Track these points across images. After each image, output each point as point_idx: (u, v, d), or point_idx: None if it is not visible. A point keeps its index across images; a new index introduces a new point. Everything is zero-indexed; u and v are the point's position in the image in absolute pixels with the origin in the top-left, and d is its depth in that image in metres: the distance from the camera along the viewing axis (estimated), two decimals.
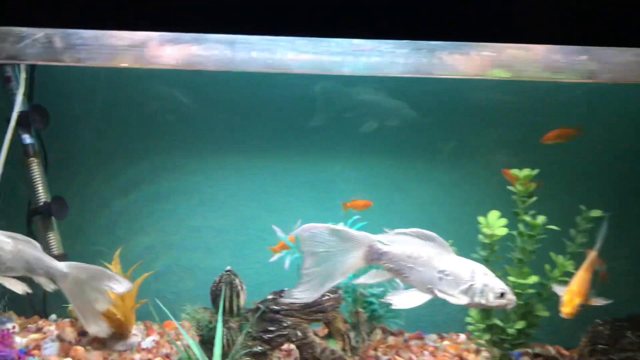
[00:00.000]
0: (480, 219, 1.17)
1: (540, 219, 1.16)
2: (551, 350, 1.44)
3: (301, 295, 0.99)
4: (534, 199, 1.19)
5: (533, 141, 1.31)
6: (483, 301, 0.95)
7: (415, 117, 1.44)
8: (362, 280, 1.06)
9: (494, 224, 1.16)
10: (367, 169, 1.46)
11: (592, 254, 1.14)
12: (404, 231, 1.00)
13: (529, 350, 1.47)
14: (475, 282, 0.97)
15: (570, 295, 1.11)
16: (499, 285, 0.96)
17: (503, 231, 1.14)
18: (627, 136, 1.39)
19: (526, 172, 1.18)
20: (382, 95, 1.45)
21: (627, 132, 1.39)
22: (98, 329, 1.00)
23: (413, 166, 1.45)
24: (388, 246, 0.98)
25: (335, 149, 1.45)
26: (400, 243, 0.99)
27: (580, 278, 1.11)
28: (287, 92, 1.43)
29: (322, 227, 0.98)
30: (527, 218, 1.16)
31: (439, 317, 1.47)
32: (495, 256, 1.19)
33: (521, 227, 1.18)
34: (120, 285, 1.01)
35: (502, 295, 0.96)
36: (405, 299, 1.01)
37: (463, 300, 0.97)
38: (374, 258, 1.01)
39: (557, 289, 1.13)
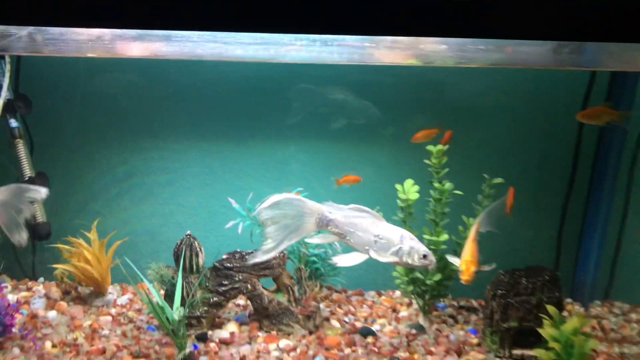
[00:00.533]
0: (397, 186, 1.36)
1: (448, 185, 1.36)
2: (474, 302, 1.65)
3: (263, 255, 1.15)
4: (446, 170, 1.39)
5: (451, 126, 1.51)
6: (410, 261, 1.15)
7: (357, 105, 1.63)
8: (315, 240, 1.22)
9: (409, 190, 1.36)
10: (316, 151, 1.60)
11: (474, 227, 1.32)
12: (345, 207, 1.21)
13: (454, 303, 1.69)
14: (403, 245, 1.16)
15: (466, 265, 1.30)
16: (422, 248, 1.15)
17: (415, 196, 1.34)
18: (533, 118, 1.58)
19: (439, 147, 1.38)
20: (328, 85, 1.63)
21: (532, 114, 1.59)
22: (20, 238, 1.14)
23: (356, 148, 1.62)
24: (334, 214, 1.17)
25: (287, 134, 1.58)
26: (344, 213, 1.20)
27: (471, 249, 1.26)
28: (245, 84, 1.53)
29: (282, 197, 1.16)
30: (437, 185, 1.36)
31: (379, 278, 1.67)
32: (411, 218, 1.39)
33: (433, 193, 1.38)
34: (38, 193, 1.15)
35: (424, 256, 1.16)
36: (347, 259, 1.21)
37: (393, 259, 1.17)
38: (323, 224, 1.21)
39: (453, 259, 1.32)
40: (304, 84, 1.54)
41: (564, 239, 1.57)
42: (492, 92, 1.53)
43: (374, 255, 1.16)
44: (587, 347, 1.24)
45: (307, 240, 1.26)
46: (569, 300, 1.60)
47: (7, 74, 1.29)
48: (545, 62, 1.39)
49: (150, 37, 1.27)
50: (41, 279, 1.60)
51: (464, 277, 1.28)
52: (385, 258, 1.15)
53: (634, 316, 1.52)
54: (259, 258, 1.16)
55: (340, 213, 1.17)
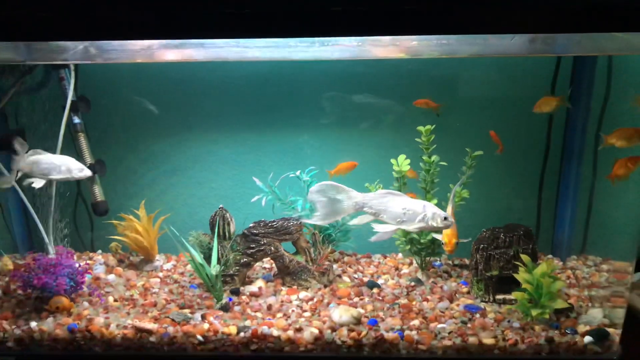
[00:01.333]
0: (392, 160, 1.62)
1: (434, 157, 1.61)
2: (466, 261, 1.89)
3: (315, 221, 1.47)
4: (434, 146, 1.64)
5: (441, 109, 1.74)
6: (434, 224, 1.43)
7: (361, 96, 1.89)
8: (355, 221, 1.49)
9: (402, 163, 1.61)
10: (327, 138, 1.83)
11: (451, 205, 1.56)
12: (375, 193, 1.47)
13: (450, 262, 1.93)
14: (427, 212, 1.44)
15: (448, 238, 1.55)
16: (442, 212, 1.43)
17: (407, 167, 1.59)
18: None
19: (427, 127, 1.63)
20: (335, 79, 1.87)
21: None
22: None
23: (361, 134, 1.84)
24: (368, 198, 1.45)
25: (300, 124, 1.82)
26: (375, 196, 1.46)
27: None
28: (262, 81, 1.76)
29: (327, 184, 1.46)
30: (426, 158, 1.61)
31: (384, 243, 1.92)
32: (405, 187, 1.65)
33: (423, 165, 1.64)
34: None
35: (445, 218, 1.44)
36: (383, 227, 1.46)
37: (420, 225, 1.44)
38: (360, 207, 1.48)
39: (437, 235, 1.57)
40: (310, 77, 1.77)
41: (542, 204, 1.79)
42: (476, 80, 1.77)
43: (404, 225, 1.44)
44: (553, 287, 1.48)
45: (351, 223, 1.53)
46: (550, 256, 1.85)
47: (72, 80, 1.58)
48: (520, 51, 1.63)
49: (186, 44, 1.53)
50: (99, 251, 1.90)
51: (447, 249, 1.55)
52: (414, 226, 1.44)
53: (604, 267, 1.74)
54: (312, 221, 1.48)
55: (372, 196, 1.46)
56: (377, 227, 1.45)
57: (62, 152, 1.59)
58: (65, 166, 1.50)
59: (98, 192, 1.66)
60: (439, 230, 1.55)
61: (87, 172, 1.52)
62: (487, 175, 1.67)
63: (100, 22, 1.28)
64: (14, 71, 1.58)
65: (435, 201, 1.62)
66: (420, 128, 1.60)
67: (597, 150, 1.70)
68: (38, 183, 1.50)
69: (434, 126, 1.59)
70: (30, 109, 1.60)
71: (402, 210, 1.43)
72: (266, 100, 1.78)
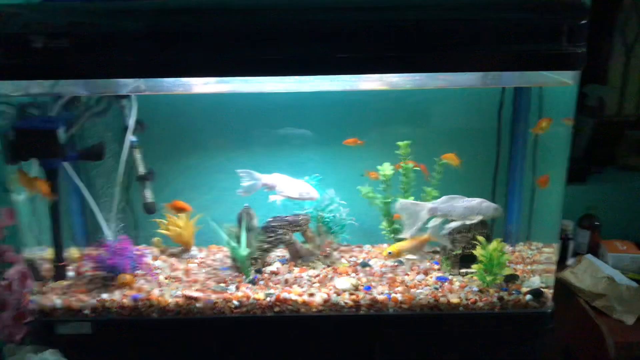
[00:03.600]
0: (378, 167, 2.10)
1: (410, 165, 2.10)
2: (437, 249, 2.36)
3: (405, 234, 1.94)
4: (410, 156, 2.12)
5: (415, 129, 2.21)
6: (489, 214, 1.92)
7: (351, 119, 2.26)
8: (431, 223, 1.91)
9: (386, 169, 2.10)
10: (326, 154, 2.21)
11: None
12: (440, 200, 1.94)
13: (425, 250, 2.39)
14: (482, 206, 1.92)
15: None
16: (493, 204, 1.92)
17: (390, 172, 2.07)
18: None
19: (405, 142, 2.11)
20: (333, 105, 2.17)
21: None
22: None
23: (351, 150, 2.26)
24: (436, 205, 1.91)
25: (303, 143, 2.21)
26: (441, 202, 1.93)
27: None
28: (275, 106, 2.13)
29: (407, 202, 1.94)
30: (403, 165, 2.10)
31: (372, 236, 2.38)
32: (389, 188, 2.10)
33: (402, 171, 2.12)
34: None
35: (496, 209, 1.93)
36: (455, 224, 1.94)
37: (479, 218, 1.91)
38: (432, 213, 1.93)
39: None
40: (313, 104, 2.13)
41: (495, 200, 2.27)
42: (441, 103, 2.25)
43: (468, 220, 1.92)
44: (502, 259, 1.93)
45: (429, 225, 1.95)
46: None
47: (134, 108, 2.03)
48: (475, 83, 2.04)
49: (217, 80, 1.85)
50: (143, 244, 2.33)
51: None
52: (476, 218, 1.93)
53: (545, 250, 2.23)
54: (404, 234, 1.95)
55: (440, 202, 1.91)
56: (449, 225, 1.94)
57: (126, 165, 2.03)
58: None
59: (148, 195, 2.09)
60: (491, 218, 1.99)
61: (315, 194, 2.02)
62: (452, 180, 2.13)
63: (149, 64, 1.62)
64: (86, 101, 2.03)
65: (412, 198, 2.09)
66: (399, 143, 2.08)
67: (535, 158, 2.19)
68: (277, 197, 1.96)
69: (409, 142, 2.07)
70: (98, 130, 2.05)
71: (464, 209, 1.91)
72: (279, 122, 2.20)
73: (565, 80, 1.73)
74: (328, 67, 1.61)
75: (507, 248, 2.26)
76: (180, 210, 2.12)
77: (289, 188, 2.01)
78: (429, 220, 1.95)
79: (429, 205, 1.93)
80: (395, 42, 1.61)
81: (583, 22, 1.59)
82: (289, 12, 1.60)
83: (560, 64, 1.63)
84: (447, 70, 1.64)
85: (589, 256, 2.32)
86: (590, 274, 2.16)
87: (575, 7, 1.61)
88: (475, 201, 1.93)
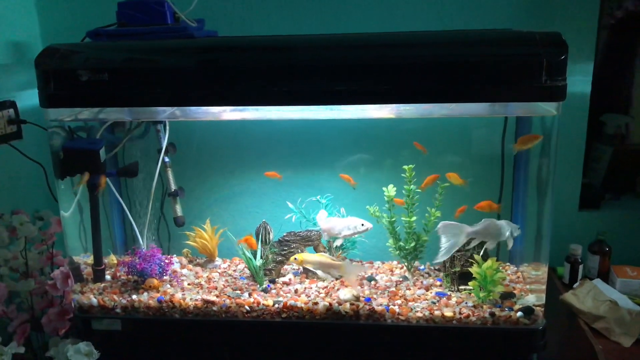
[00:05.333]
0: (384, 188, 2.26)
1: (412, 187, 2.25)
2: None
3: (441, 257, 2.04)
4: (415, 179, 2.28)
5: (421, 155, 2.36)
6: (515, 234, 2.02)
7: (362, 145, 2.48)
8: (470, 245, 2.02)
9: (391, 190, 2.26)
10: (337, 176, 2.32)
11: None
12: (479, 224, 2.05)
13: (432, 267, 2.52)
14: (508, 228, 2.01)
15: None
16: (514, 225, 2.03)
17: (393, 193, 2.24)
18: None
19: (410, 166, 2.27)
20: (343, 133, 2.41)
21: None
22: None
23: (365, 172, 2.48)
24: (474, 228, 2.02)
25: (320, 164, 2.44)
26: (478, 225, 2.04)
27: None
28: (292, 133, 2.39)
29: (449, 223, 2.04)
30: (407, 187, 2.25)
31: (382, 252, 2.52)
32: (393, 207, 2.26)
33: (405, 192, 2.27)
34: None
35: (518, 228, 2.02)
36: (490, 244, 2.02)
37: (507, 238, 2.03)
38: (470, 235, 2.04)
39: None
40: (327, 131, 2.35)
41: None
42: (447, 129, 2.42)
43: (499, 239, 2.04)
44: (496, 276, 2.06)
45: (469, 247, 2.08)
46: (508, 264, 2.43)
47: (165, 132, 2.31)
48: (482, 112, 2.13)
49: (240, 109, 2.05)
50: (174, 255, 2.59)
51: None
52: (505, 238, 2.02)
53: (542, 270, 2.31)
54: (439, 259, 2.05)
55: (477, 226, 2.03)
56: (489, 246, 2.07)
57: (159, 182, 2.30)
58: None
59: (178, 209, 2.35)
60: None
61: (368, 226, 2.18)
62: (456, 202, 2.27)
63: (182, 94, 1.80)
64: (125, 126, 2.32)
65: (415, 218, 2.24)
66: (405, 167, 2.24)
67: (540, 182, 2.28)
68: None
69: (412, 165, 2.23)
70: (136, 152, 2.33)
71: (496, 231, 2.03)
72: (296, 148, 2.41)
73: (550, 110, 1.85)
74: (338, 98, 1.78)
75: (512, 268, 2.37)
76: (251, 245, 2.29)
77: (343, 229, 2.16)
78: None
79: (468, 229, 2.03)
80: (387, 76, 1.79)
81: (562, 57, 1.72)
82: (312, 50, 1.79)
83: (541, 96, 1.75)
84: (435, 101, 1.80)
85: (597, 281, 2.38)
86: (593, 296, 2.22)
87: (555, 43, 1.75)
88: (501, 223, 2.05)
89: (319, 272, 2.22)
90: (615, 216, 2.60)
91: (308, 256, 2.16)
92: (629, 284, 2.35)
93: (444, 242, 2.05)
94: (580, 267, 2.45)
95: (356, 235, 2.25)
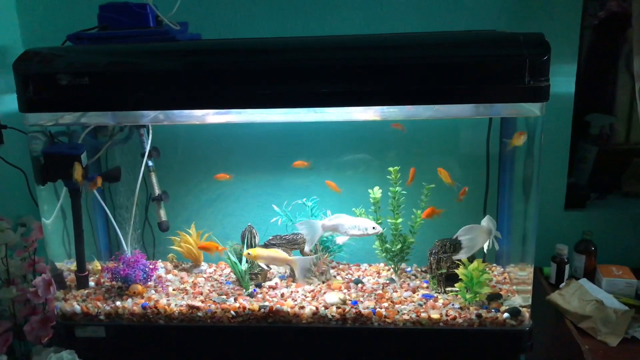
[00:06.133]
0: (369, 190, 2.25)
1: (398, 189, 2.24)
2: None
3: (462, 255, 2.04)
4: (400, 181, 2.27)
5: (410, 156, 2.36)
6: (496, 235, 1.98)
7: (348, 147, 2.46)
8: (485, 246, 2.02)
9: (376, 192, 2.25)
10: (326, 177, 2.33)
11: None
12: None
13: (419, 269, 2.51)
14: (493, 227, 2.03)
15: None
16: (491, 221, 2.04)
17: (379, 195, 2.23)
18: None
19: (395, 168, 2.26)
20: (331, 135, 2.42)
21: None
22: None
23: (351, 174, 2.45)
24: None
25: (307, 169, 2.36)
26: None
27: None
28: (278, 135, 2.40)
29: (471, 226, 2.07)
30: (392, 189, 2.24)
31: (369, 255, 2.52)
32: (379, 210, 2.27)
33: (390, 195, 2.27)
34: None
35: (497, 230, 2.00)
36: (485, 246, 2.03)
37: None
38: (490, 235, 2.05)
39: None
40: (314, 133, 2.34)
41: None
42: (433, 131, 2.42)
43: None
44: (482, 278, 2.05)
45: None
46: (494, 264, 2.43)
47: (149, 136, 2.28)
48: (466, 113, 2.20)
49: (226, 112, 2.15)
50: (160, 260, 2.56)
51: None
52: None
53: (527, 271, 2.31)
54: (460, 256, 2.05)
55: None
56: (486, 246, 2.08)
57: (142, 187, 2.28)
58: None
59: (163, 214, 2.32)
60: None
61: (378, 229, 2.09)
62: (442, 203, 2.26)
63: (165, 97, 1.78)
64: (107, 131, 2.29)
65: (401, 219, 2.24)
66: (390, 169, 2.23)
67: (525, 182, 2.28)
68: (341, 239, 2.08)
69: (398, 167, 2.22)
70: (119, 156, 2.31)
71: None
72: (282, 151, 2.41)
73: (534, 111, 1.85)
74: (323, 101, 1.76)
75: (498, 269, 2.36)
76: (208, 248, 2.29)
77: (351, 228, 2.05)
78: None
79: (491, 226, 2.03)
80: (373, 78, 1.78)
81: (545, 58, 1.72)
82: (297, 52, 1.78)
83: (524, 97, 1.75)
84: (418, 102, 1.79)
85: (583, 280, 2.38)
86: (579, 296, 2.22)
87: (538, 44, 1.75)
88: (488, 222, 2.08)
89: (270, 267, 2.22)
90: (601, 215, 2.61)
91: (261, 251, 2.07)
92: (614, 283, 2.36)
93: (467, 243, 2.09)
94: (567, 267, 2.46)
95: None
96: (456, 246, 2.12)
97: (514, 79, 1.74)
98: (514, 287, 2.17)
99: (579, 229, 2.51)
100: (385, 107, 1.91)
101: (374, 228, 2.03)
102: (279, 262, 2.16)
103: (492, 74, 1.76)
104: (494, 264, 2.39)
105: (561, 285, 2.40)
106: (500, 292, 2.12)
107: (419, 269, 2.39)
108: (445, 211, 2.19)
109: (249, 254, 2.14)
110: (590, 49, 2.63)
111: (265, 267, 2.22)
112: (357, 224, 2.08)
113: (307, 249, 2.16)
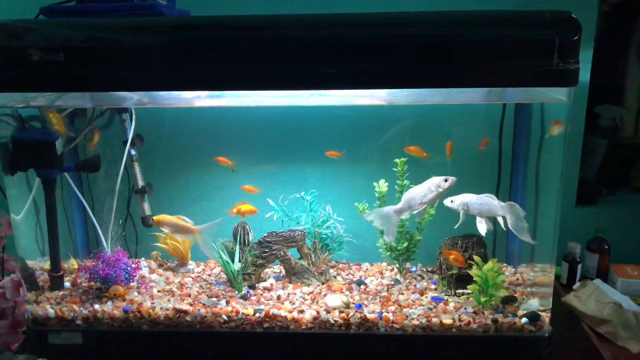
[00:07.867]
0: (374, 183, 2.09)
1: (405, 182, 2.07)
2: None
3: (480, 225, 1.86)
4: (407, 174, 2.10)
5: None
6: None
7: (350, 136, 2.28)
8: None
9: (382, 185, 2.08)
10: (325, 169, 2.23)
11: None
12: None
13: (425, 269, 2.35)
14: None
15: None
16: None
17: (385, 188, 2.06)
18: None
19: (402, 159, 2.09)
20: (332, 122, 2.23)
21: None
22: None
23: (352, 166, 2.28)
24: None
25: (306, 158, 2.25)
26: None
27: None
28: (274, 122, 2.18)
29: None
30: (399, 182, 2.07)
31: (371, 254, 2.33)
32: (384, 203, 2.07)
33: (397, 188, 2.09)
34: None
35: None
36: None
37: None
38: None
39: None
40: (313, 120, 2.16)
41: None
42: (445, 119, 2.24)
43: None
44: (498, 280, 1.89)
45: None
46: (505, 264, 2.27)
47: (132, 122, 2.07)
48: (479, 99, 1.96)
49: (218, 94, 1.84)
50: (142, 258, 2.35)
51: None
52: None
53: (546, 272, 2.17)
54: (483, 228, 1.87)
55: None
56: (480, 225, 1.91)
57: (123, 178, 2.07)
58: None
59: (146, 208, 2.12)
60: None
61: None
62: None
63: (150, 77, 1.62)
64: (87, 115, 2.08)
65: (408, 216, 2.05)
66: (396, 160, 2.06)
67: (538, 180, 2.13)
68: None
69: (405, 159, 2.05)
70: (99, 143, 2.09)
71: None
72: (278, 139, 2.21)
73: (560, 97, 1.69)
74: (325, 82, 1.61)
75: (510, 269, 2.21)
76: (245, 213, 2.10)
77: (424, 196, 1.86)
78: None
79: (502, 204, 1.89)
80: (383, 58, 1.60)
81: (575, 38, 1.55)
82: (295, 29, 1.62)
83: (552, 80, 1.59)
84: (436, 86, 1.62)
85: (597, 281, 2.24)
86: (596, 298, 2.08)
87: (567, 23, 1.58)
88: (491, 199, 1.92)
89: (176, 235, 2.06)
90: (612, 212, 2.47)
91: (165, 217, 1.93)
92: (630, 285, 2.22)
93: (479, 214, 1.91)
94: (579, 266, 2.31)
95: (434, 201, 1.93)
96: (469, 244, 1.96)
97: (541, 60, 1.56)
98: (529, 289, 2.01)
99: (590, 226, 2.36)
100: (394, 90, 1.80)
101: (445, 181, 1.82)
102: (182, 230, 1.98)
103: (517, 55, 1.58)
104: (504, 264, 2.23)
105: (575, 286, 2.25)
106: (515, 295, 1.95)
107: (424, 269, 2.22)
108: (430, 155, 2.03)
109: (153, 219, 2.00)
110: (600, 36, 2.48)
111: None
112: (426, 188, 1.86)
113: (388, 240, 1.96)
